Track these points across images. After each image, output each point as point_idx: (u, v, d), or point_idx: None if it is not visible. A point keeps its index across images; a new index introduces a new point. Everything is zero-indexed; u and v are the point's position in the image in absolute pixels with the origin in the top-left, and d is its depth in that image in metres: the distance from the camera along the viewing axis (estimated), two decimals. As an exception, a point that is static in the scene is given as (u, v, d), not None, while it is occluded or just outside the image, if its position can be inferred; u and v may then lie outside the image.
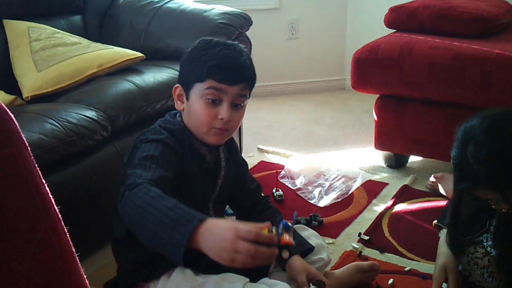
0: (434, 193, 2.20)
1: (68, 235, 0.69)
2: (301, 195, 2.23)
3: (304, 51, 3.59)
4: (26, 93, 1.94)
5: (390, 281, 1.66)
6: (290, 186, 2.29)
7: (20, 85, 1.98)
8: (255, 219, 1.57)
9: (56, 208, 0.68)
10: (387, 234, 1.93)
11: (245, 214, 1.61)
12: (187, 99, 1.39)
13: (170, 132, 1.38)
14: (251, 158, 2.53)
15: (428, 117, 2.23)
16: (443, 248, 1.53)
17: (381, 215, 2.05)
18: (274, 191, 2.22)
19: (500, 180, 1.27)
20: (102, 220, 1.76)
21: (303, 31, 3.57)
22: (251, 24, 2.39)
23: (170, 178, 1.28)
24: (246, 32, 2.38)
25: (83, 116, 1.73)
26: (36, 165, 0.66)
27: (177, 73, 2.09)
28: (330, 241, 1.89)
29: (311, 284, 1.43)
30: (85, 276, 0.71)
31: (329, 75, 3.70)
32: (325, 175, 2.36)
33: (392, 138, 2.35)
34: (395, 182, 2.32)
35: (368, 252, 1.83)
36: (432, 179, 2.22)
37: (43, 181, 0.67)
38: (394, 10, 2.43)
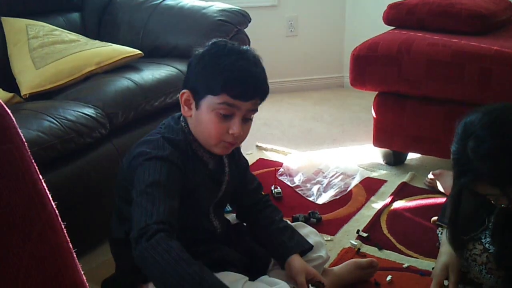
0: (432, 190, 2.20)
1: (65, 231, 0.69)
2: (299, 192, 2.23)
3: (302, 49, 3.59)
4: (24, 90, 1.93)
5: (389, 277, 1.66)
6: (288, 183, 2.29)
7: (18, 83, 1.98)
8: (255, 218, 1.57)
9: (53, 204, 0.68)
10: (385, 231, 1.93)
11: (245, 213, 1.61)
12: (196, 108, 1.34)
13: (173, 145, 1.34)
14: (249, 155, 2.53)
15: (427, 114, 2.23)
16: (445, 247, 1.52)
17: (380, 212, 2.05)
18: (272, 188, 2.22)
19: (500, 175, 1.27)
20: (101, 217, 1.76)
21: (301, 28, 3.56)
22: (249, 21, 2.39)
23: (177, 205, 1.28)
24: (245, 29, 2.38)
25: (81, 114, 1.73)
26: (33, 162, 0.66)
27: (176, 70, 2.12)
28: (329, 238, 1.89)
29: (310, 285, 1.43)
30: (82, 273, 0.71)
31: (327, 72, 3.70)
32: (323, 173, 2.36)
33: (391, 135, 2.35)
34: (394, 179, 2.32)
35: (367, 249, 1.83)
36: (430, 176, 2.22)
37: (40, 177, 0.67)
38: (392, 7, 2.43)
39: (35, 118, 1.64)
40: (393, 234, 1.92)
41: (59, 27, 2.22)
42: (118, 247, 1.47)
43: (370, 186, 2.27)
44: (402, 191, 2.20)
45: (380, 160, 2.50)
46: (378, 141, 2.41)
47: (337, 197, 2.19)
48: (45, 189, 0.67)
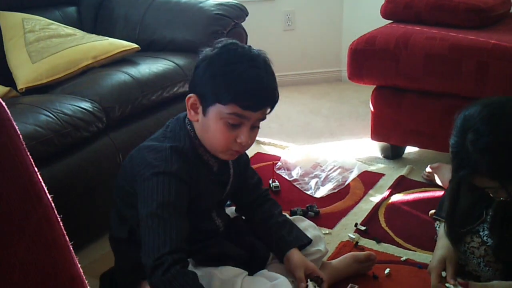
0: (430, 184, 2.20)
1: (61, 225, 0.69)
2: (297, 186, 2.22)
3: (300, 42, 3.58)
4: (21, 84, 1.93)
5: (387, 270, 1.66)
6: (286, 177, 2.29)
7: (15, 77, 1.97)
8: (255, 212, 1.57)
9: (49, 197, 0.68)
10: (383, 225, 1.94)
11: (245, 207, 1.60)
12: (204, 114, 1.31)
13: (181, 156, 1.32)
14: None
15: (425, 107, 2.22)
16: (443, 240, 1.52)
17: (378, 206, 2.05)
18: (270, 182, 2.22)
19: (499, 169, 1.27)
20: (98, 211, 1.76)
21: (299, 22, 3.55)
22: (247, 15, 2.38)
23: (188, 225, 1.29)
24: (242, 23, 2.37)
25: (78, 108, 1.72)
26: (29, 154, 0.66)
27: (173, 64, 2.11)
28: (327, 232, 1.89)
29: (308, 280, 1.43)
30: (79, 266, 0.71)
31: (325, 66, 3.69)
32: (321, 166, 2.36)
33: (389, 129, 2.35)
34: (392, 172, 2.32)
35: (365, 242, 1.83)
36: (428, 169, 2.22)
37: (36, 170, 0.66)
38: (390, 1, 2.42)
39: (32, 112, 1.63)
40: (391, 227, 1.92)
41: (56, 21, 2.21)
42: (118, 245, 1.47)
43: (368, 179, 2.27)
44: (400, 185, 2.20)
45: (378, 154, 2.50)
46: (376, 135, 2.41)
47: (335, 191, 2.19)
48: (41, 182, 0.67)
